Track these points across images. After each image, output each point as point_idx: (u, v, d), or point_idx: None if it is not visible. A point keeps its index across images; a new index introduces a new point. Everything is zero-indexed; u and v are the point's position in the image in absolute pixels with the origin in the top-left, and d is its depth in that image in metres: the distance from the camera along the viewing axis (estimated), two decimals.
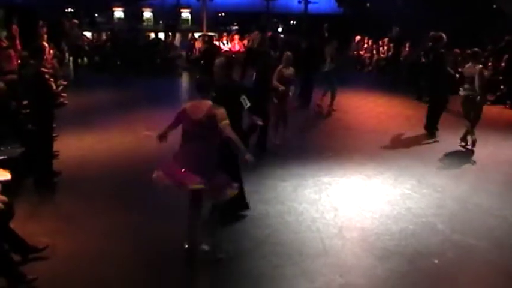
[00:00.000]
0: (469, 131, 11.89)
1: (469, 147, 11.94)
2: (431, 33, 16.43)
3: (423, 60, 17.57)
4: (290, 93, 11.86)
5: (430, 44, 16.98)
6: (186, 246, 6.66)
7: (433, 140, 12.76)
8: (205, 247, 6.74)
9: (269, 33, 19.98)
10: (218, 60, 7.65)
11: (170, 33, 25.80)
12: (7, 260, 5.86)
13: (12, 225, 6.25)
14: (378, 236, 7.40)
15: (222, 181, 6.46)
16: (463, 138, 12.07)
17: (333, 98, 15.73)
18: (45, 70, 10.39)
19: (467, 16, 24.75)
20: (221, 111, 6.25)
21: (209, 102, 6.35)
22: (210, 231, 6.85)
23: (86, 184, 9.24)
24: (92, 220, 7.76)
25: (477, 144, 11.95)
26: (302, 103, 16.24)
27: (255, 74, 11.29)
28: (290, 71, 11.80)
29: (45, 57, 11.54)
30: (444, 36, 13.06)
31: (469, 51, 12.67)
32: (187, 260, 6.65)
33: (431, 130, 13.08)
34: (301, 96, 16.36)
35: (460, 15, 24.79)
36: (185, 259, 6.67)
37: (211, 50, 18.31)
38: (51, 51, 17.58)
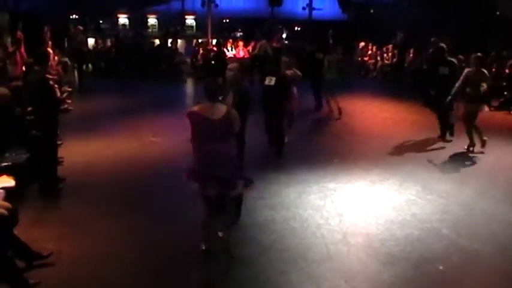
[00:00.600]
0: (471, 134, 12.02)
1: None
2: (433, 39, 16.46)
3: (425, 66, 17.65)
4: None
5: (431, 50, 17.02)
6: (203, 247, 6.86)
7: (439, 145, 12.76)
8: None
9: (274, 43, 20.15)
10: (232, 66, 7.88)
11: (170, 40, 25.85)
12: (11, 266, 5.86)
13: (17, 231, 6.27)
14: (383, 242, 7.39)
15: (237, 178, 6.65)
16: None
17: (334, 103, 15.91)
18: (50, 76, 10.41)
19: (471, 22, 24.75)
20: (235, 112, 6.57)
21: (224, 106, 6.57)
22: (228, 227, 7.01)
23: (91, 190, 9.26)
24: (97, 225, 7.77)
25: (481, 150, 11.99)
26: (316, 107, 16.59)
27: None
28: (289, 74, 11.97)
29: (49, 63, 11.57)
30: (444, 45, 13.12)
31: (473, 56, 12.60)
32: (204, 260, 6.75)
33: (450, 132, 13.14)
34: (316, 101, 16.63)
35: (464, 21, 24.79)
36: (202, 260, 6.78)
37: (220, 55, 18.44)
38: (56, 58, 17.64)
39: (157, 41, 26.75)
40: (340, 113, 15.75)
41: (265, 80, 11.56)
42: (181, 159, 10.57)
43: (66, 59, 20.03)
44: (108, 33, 27.98)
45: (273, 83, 11.21)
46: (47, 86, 8.83)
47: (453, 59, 13.20)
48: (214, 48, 23.34)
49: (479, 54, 12.20)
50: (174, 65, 24.09)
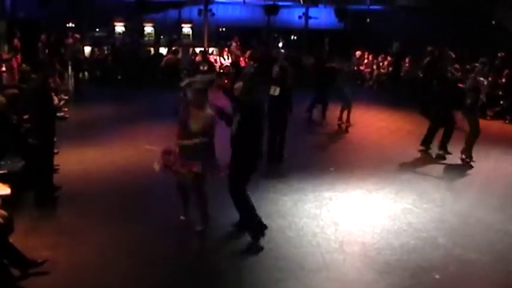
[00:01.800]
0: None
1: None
2: (429, 48, 16.48)
3: (421, 75, 17.71)
4: None
5: (428, 59, 17.05)
6: (182, 218, 8.07)
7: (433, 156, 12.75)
8: (199, 228, 7.81)
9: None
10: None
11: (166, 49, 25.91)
12: (6, 274, 5.85)
13: (12, 239, 6.24)
14: (379, 251, 7.39)
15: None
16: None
17: (348, 112, 15.80)
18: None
19: (467, 32, 24.82)
20: None
21: None
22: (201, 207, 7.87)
23: (87, 198, 9.23)
24: (93, 233, 7.75)
25: (478, 159, 12.07)
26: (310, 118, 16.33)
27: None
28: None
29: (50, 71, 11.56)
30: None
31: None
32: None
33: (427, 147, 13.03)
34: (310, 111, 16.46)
35: (461, 30, 24.86)
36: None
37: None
38: None
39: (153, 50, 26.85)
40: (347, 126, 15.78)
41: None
42: None
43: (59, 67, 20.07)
44: (105, 42, 27.96)
45: (277, 93, 11.04)
46: (44, 93, 8.81)
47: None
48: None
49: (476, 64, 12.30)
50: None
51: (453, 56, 13.19)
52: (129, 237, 7.67)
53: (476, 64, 15.23)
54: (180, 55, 22.71)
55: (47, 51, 18.74)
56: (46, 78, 9.06)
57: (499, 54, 20.41)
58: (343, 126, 15.69)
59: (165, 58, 20.21)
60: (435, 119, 12.77)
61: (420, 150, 12.85)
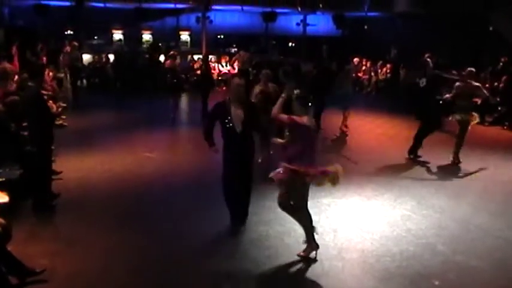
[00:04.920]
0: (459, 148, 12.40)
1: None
2: (427, 55, 16.47)
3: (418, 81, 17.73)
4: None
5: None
6: None
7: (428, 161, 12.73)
8: None
9: None
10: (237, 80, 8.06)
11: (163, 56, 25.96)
12: (4, 282, 5.82)
13: (10, 247, 6.22)
14: (378, 258, 7.36)
15: None
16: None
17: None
18: (45, 92, 10.36)
19: (465, 38, 24.86)
20: None
21: None
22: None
23: (85, 206, 9.21)
24: (92, 241, 7.73)
25: (477, 165, 12.13)
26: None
27: None
28: (270, 88, 11.66)
29: (44, 78, 11.53)
30: (429, 60, 13.25)
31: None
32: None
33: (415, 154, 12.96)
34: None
35: (459, 37, 24.90)
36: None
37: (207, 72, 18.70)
38: (51, 73, 17.66)
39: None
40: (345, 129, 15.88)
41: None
42: (175, 174, 10.58)
43: (62, 75, 20.08)
44: (104, 49, 28.00)
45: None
46: (41, 101, 8.81)
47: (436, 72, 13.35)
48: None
49: (471, 69, 12.41)
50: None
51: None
52: (128, 244, 7.65)
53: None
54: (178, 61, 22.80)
55: (44, 59, 18.73)
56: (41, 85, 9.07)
57: (502, 59, 20.46)
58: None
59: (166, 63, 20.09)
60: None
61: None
